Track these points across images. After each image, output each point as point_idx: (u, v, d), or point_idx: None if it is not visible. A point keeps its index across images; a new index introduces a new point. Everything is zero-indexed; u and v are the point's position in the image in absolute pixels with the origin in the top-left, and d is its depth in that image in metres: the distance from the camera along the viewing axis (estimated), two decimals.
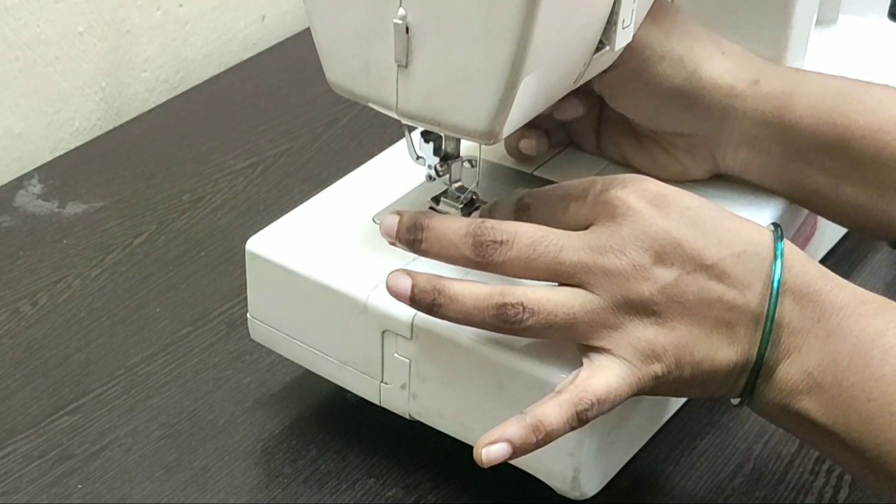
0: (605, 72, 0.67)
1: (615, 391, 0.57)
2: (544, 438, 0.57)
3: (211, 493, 0.68)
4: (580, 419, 0.57)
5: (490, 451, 0.57)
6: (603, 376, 0.58)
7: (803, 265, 0.59)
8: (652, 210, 0.58)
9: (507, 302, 0.58)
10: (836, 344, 0.57)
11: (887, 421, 0.56)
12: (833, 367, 0.57)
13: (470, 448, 0.64)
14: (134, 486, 0.68)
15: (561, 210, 0.61)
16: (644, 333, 0.58)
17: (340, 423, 0.71)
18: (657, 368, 0.58)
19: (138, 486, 0.68)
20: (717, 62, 0.68)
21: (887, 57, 0.85)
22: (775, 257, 0.58)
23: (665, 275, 0.57)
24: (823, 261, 0.81)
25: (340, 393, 0.69)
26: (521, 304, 0.58)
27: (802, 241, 0.77)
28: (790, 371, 0.58)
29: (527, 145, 0.72)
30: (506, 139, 0.73)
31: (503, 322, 0.58)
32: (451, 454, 0.67)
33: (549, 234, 0.59)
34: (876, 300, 0.59)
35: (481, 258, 0.59)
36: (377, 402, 0.67)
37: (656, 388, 0.59)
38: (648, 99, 0.69)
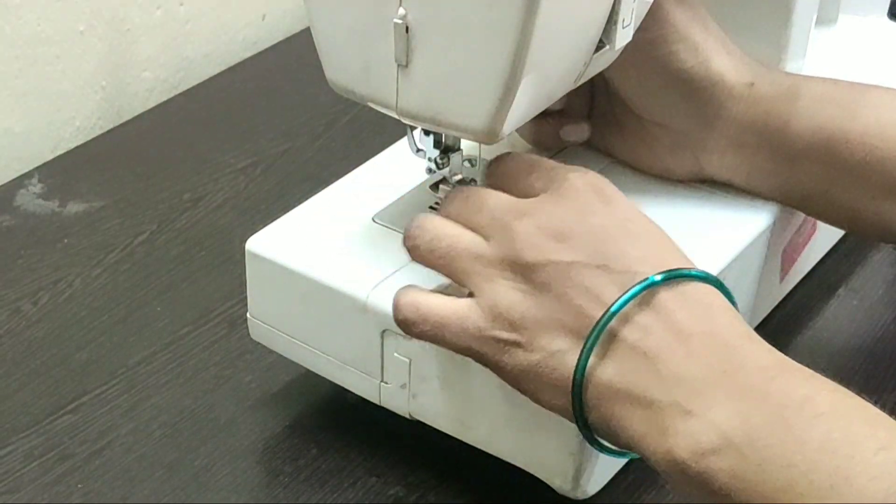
0: None
1: (453, 324, 0.58)
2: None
3: (212, 492, 0.68)
4: (404, 325, 0.60)
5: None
6: (453, 305, 0.59)
7: (725, 317, 0.55)
8: (595, 199, 0.59)
9: (412, 223, 0.61)
10: (755, 403, 0.52)
11: (805, 489, 0.49)
12: (747, 426, 0.51)
13: (471, 448, 0.65)
14: (135, 485, 0.68)
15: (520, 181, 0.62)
16: (510, 295, 0.57)
17: (342, 422, 0.71)
18: (504, 334, 0.57)
19: (139, 486, 0.68)
20: (724, 59, 0.69)
21: (887, 57, 0.85)
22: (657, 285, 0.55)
23: (564, 254, 0.57)
24: (823, 260, 0.82)
25: (341, 392, 0.69)
26: (420, 225, 0.61)
27: (803, 242, 0.77)
28: (695, 427, 0.52)
29: (572, 131, 0.73)
30: (537, 130, 0.73)
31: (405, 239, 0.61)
32: (453, 453, 0.67)
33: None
34: (804, 370, 0.54)
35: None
36: (377, 402, 0.67)
37: (498, 356, 0.58)
38: (653, 75, 0.69)
